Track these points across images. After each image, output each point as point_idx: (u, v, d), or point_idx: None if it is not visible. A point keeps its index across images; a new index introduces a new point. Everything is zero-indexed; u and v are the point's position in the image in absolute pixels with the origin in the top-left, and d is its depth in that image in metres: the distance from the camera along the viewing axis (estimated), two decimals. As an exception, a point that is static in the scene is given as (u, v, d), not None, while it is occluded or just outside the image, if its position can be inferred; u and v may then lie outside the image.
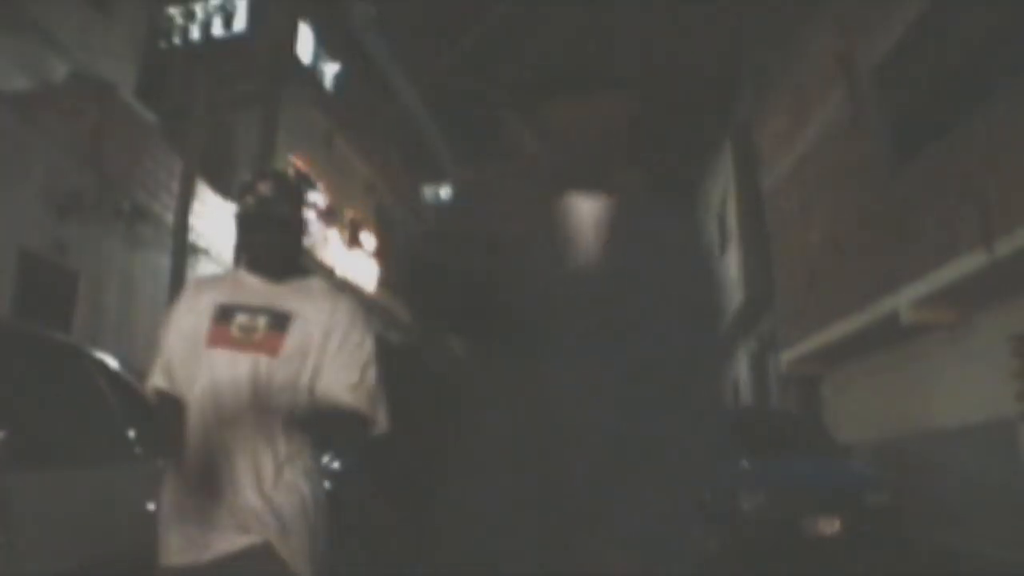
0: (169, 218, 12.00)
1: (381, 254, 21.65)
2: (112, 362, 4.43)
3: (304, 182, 18.18)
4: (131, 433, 4.09)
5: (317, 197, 18.86)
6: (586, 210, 1.90)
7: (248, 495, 2.43)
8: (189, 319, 2.56)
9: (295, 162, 17.88)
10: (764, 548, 8.51)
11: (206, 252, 12.98)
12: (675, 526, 1.88)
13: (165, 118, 13.46)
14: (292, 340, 2.52)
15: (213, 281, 2.77)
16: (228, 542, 2.41)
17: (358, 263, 20.44)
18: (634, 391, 1.81)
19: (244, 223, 2.63)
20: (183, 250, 11.79)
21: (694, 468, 1.87)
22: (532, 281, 1.83)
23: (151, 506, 3.75)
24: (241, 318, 2.53)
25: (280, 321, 2.53)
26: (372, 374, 2.61)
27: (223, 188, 14.22)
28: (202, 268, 12.96)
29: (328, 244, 18.86)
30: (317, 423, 2.56)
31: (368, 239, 21.48)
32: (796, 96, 15.26)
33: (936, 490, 10.64)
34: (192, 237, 12.28)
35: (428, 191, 32.42)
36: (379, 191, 23.33)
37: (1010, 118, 8.81)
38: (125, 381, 4.42)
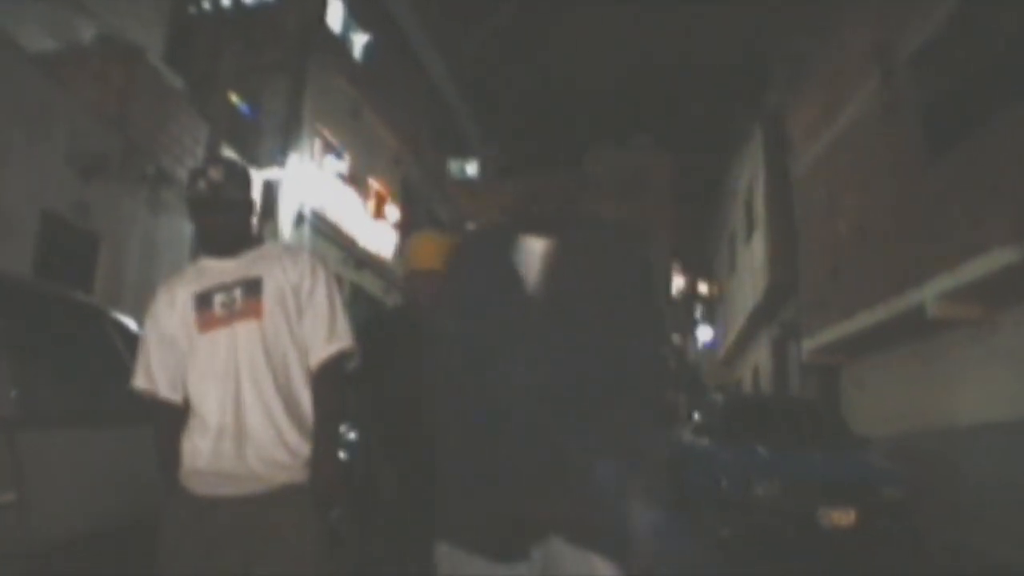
0: (193, 183, 11.98)
1: (405, 226, 21.65)
2: (131, 324, 4.42)
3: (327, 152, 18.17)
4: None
5: (342, 166, 18.84)
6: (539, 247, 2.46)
7: (269, 448, 2.73)
8: (171, 319, 2.84)
9: (322, 131, 17.84)
10: (776, 536, 8.47)
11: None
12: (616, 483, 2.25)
13: (192, 84, 13.44)
14: (268, 300, 2.81)
15: (180, 277, 2.96)
16: (259, 486, 2.71)
17: (382, 235, 20.43)
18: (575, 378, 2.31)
19: (197, 207, 2.86)
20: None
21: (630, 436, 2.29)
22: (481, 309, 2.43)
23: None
24: (219, 297, 2.81)
25: (253, 287, 2.81)
26: (339, 313, 2.92)
27: (249, 156, 14.22)
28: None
29: (352, 215, 18.84)
30: (314, 380, 2.87)
31: (392, 211, 21.45)
32: (829, 84, 15.08)
33: (953, 487, 10.55)
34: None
35: (454, 165, 32.40)
36: (405, 164, 23.27)
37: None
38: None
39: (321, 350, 2.86)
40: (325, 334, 2.87)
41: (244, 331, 2.78)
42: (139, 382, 2.89)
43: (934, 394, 11.50)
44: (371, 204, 20.22)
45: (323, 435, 2.82)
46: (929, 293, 10.56)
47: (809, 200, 16.11)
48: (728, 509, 8.87)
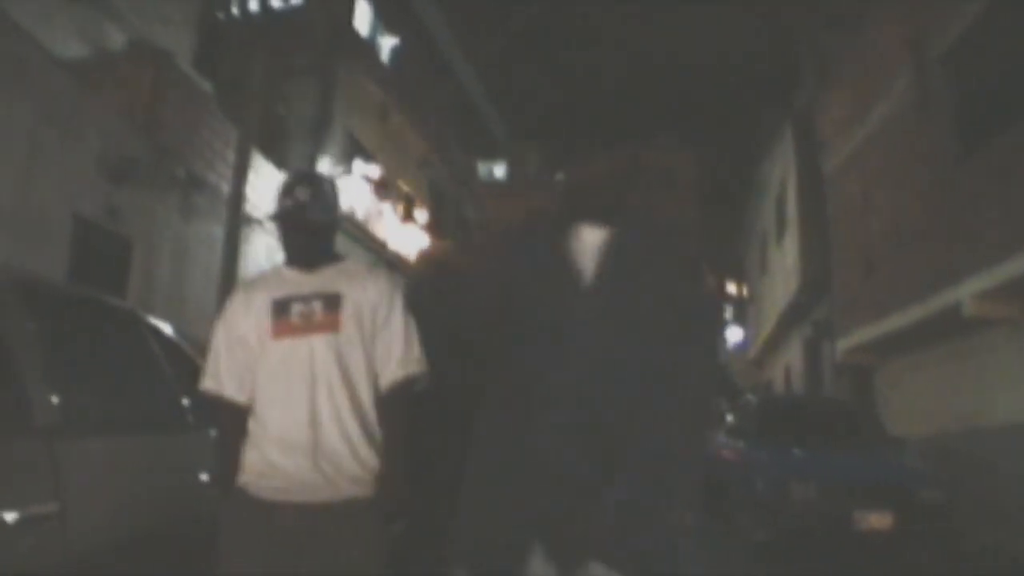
0: (224, 188, 12.06)
1: (433, 229, 21.68)
2: (167, 329, 4.42)
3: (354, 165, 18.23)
4: (185, 401, 4.07)
5: (371, 170, 18.88)
6: (595, 237, 2.37)
7: (339, 459, 2.78)
8: (247, 321, 2.91)
9: (351, 134, 17.91)
10: (812, 539, 8.38)
11: (260, 223, 13.02)
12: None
13: (221, 88, 13.53)
14: (347, 316, 2.87)
15: (260, 281, 3.05)
16: (328, 497, 2.76)
17: (411, 237, 20.47)
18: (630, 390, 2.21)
19: (282, 224, 2.99)
20: (237, 220, 11.84)
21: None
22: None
23: (204, 476, 3.76)
24: (297, 307, 2.87)
25: (333, 302, 2.88)
26: (413, 337, 2.98)
27: (278, 159, 14.28)
28: (256, 239, 13.02)
29: (382, 218, 18.87)
30: (383, 401, 2.91)
31: (421, 214, 21.47)
32: (861, 81, 14.95)
33: (990, 488, 10.40)
34: (247, 208, 12.33)
35: (483, 167, 32.43)
36: (433, 166, 23.31)
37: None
38: (180, 349, 4.41)
39: (393, 372, 2.92)
40: (399, 357, 2.93)
41: (321, 343, 2.84)
42: (207, 384, 2.94)
43: (970, 394, 11.36)
44: (400, 207, 20.26)
45: (392, 453, 2.86)
46: (965, 292, 10.42)
47: (842, 198, 15.97)
48: (763, 512, 8.77)
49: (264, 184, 13.25)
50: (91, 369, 3.49)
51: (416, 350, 2.97)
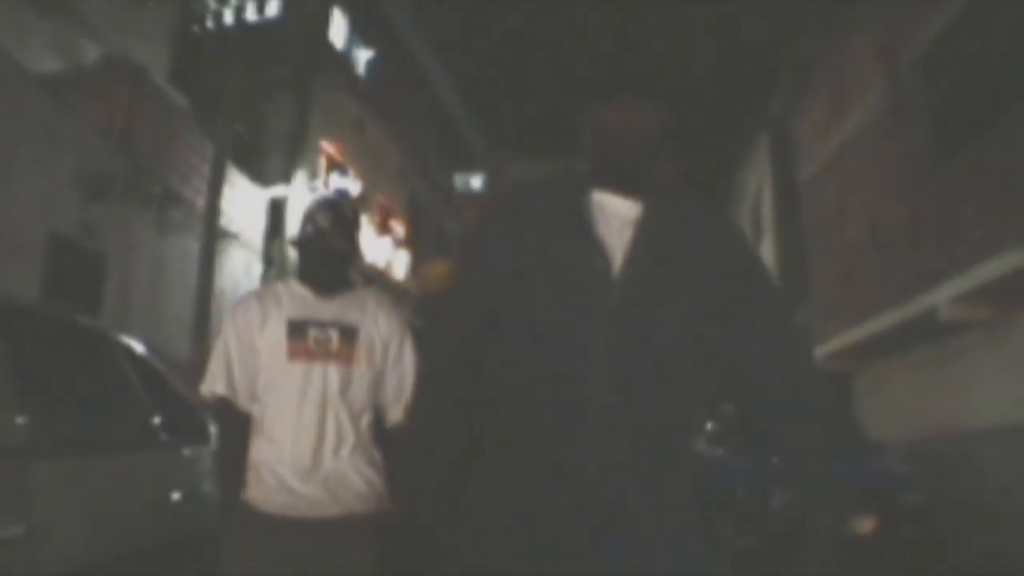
0: (200, 203, 12.01)
1: (411, 241, 21.64)
2: (139, 348, 4.38)
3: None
4: (157, 420, 4.03)
5: (349, 183, 18.85)
6: (623, 210, 1.94)
7: (339, 480, 2.88)
8: (261, 335, 2.96)
9: (326, 147, 17.88)
10: (794, 546, 8.38)
11: (236, 237, 12.97)
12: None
13: (197, 102, 13.47)
14: (361, 350, 2.97)
15: (273, 296, 3.07)
16: (331, 508, 2.86)
17: (387, 250, 20.43)
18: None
19: (304, 251, 3.08)
20: (213, 235, 11.79)
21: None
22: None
23: (176, 495, 3.72)
24: (314, 332, 2.94)
25: (350, 334, 2.97)
26: (410, 383, 2.97)
27: (254, 173, 14.24)
28: (232, 253, 12.96)
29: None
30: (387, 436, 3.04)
31: (398, 226, 21.45)
32: (835, 88, 15.09)
33: (971, 490, 10.49)
34: (222, 222, 12.29)
35: (459, 179, 32.45)
36: (410, 178, 23.29)
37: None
38: (152, 367, 4.37)
39: (397, 413, 3.04)
40: (403, 397, 3.00)
41: (335, 372, 2.92)
42: (219, 388, 2.96)
43: (949, 397, 11.46)
44: (376, 219, 20.22)
45: (395, 479, 2.93)
46: (941, 296, 10.52)
47: (818, 205, 16.07)
48: (744, 520, 8.78)
49: (240, 198, 13.20)
50: (61, 390, 3.44)
51: (408, 396, 3.02)
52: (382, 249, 20.00)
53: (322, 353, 2.93)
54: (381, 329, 3.04)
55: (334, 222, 3.04)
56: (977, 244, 9.81)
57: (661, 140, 1.92)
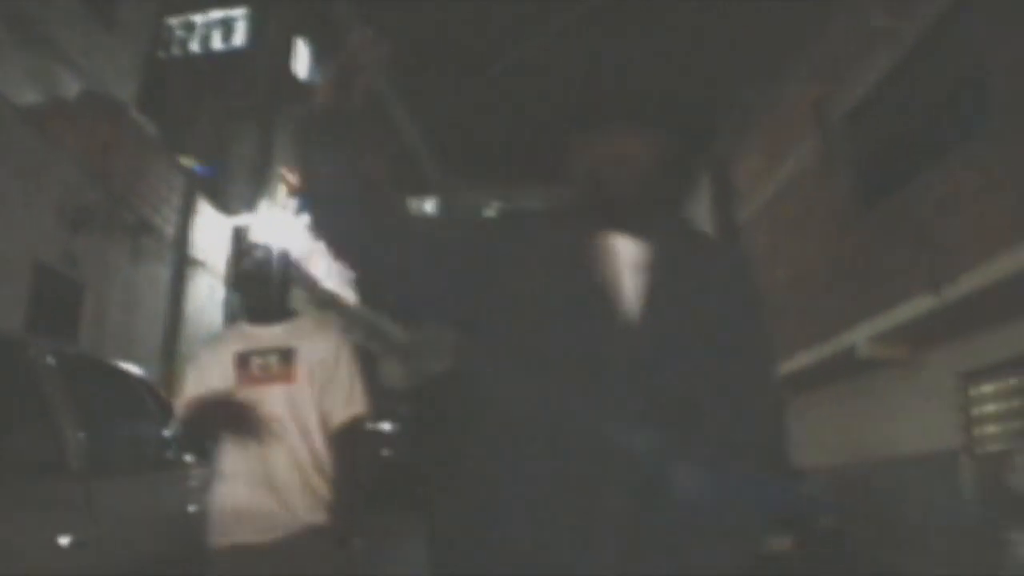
0: (169, 231, 12.52)
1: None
2: (150, 380, 5.08)
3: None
4: (168, 442, 4.72)
5: (307, 210, 19.23)
6: (631, 253, 1.77)
7: (294, 493, 3.22)
8: (216, 370, 3.34)
9: (287, 175, 18.30)
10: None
11: (203, 264, 13.50)
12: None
13: (164, 129, 13.71)
14: (300, 369, 3.32)
15: (226, 337, 3.56)
16: (285, 527, 3.18)
17: (343, 275, 20.84)
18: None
19: (245, 281, 3.50)
20: (183, 263, 12.36)
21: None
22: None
23: (191, 508, 4.41)
24: (256, 360, 3.33)
25: (288, 356, 3.34)
26: (357, 383, 3.44)
27: (218, 201, 14.67)
28: (198, 280, 13.48)
29: (315, 256, 19.30)
30: (334, 439, 3.37)
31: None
32: (772, 136, 15.84)
33: (885, 514, 11.27)
34: (191, 250, 12.83)
35: (414, 204, 32.97)
36: (366, 204, 23.67)
37: (960, 175, 9.55)
38: (163, 397, 5.07)
39: (339, 415, 3.37)
40: (343, 401, 3.39)
41: (279, 391, 3.27)
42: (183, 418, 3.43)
43: (867, 427, 12.26)
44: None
45: (344, 483, 3.32)
46: (861, 335, 11.34)
47: (754, 247, 16.80)
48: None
49: (206, 226, 13.70)
50: (108, 421, 4.13)
51: (359, 393, 3.43)
52: (336, 274, 20.43)
53: (265, 377, 3.29)
54: (318, 348, 3.36)
55: (268, 256, 3.49)
56: (893, 289, 10.59)
57: (660, 173, 1.78)
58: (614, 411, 1.64)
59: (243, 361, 3.33)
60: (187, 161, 12.63)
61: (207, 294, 13.73)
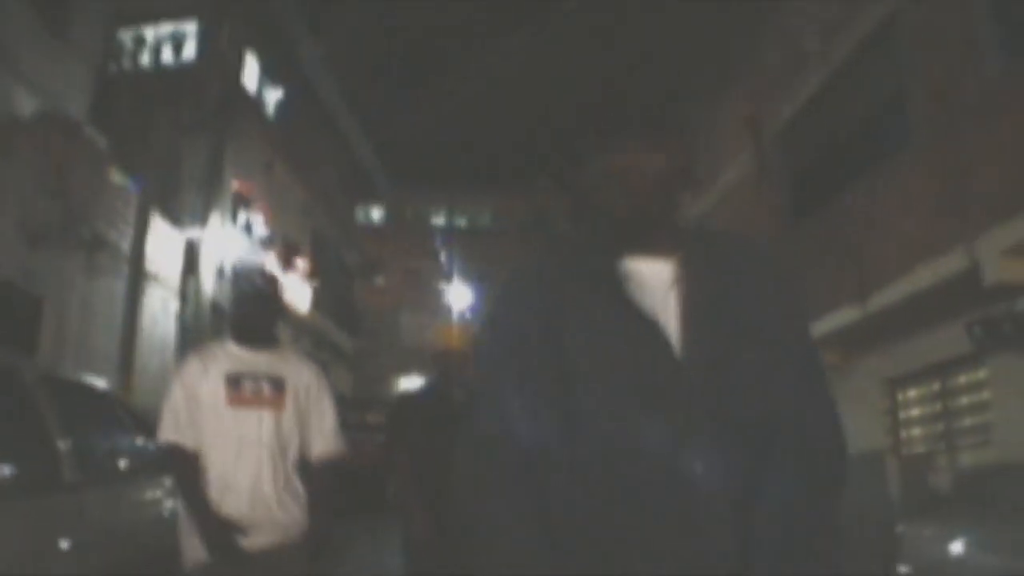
0: (124, 245, 12.69)
1: (314, 276, 22.22)
2: (121, 398, 5.43)
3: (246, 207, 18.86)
4: (143, 453, 5.07)
5: (257, 221, 19.37)
6: (658, 274, 1.72)
7: (272, 508, 3.39)
8: (202, 387, 3.44)
9: (236, 186, 18.39)
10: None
11: (155, 278, 13.69)
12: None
13: (114, 141, 13.73)
14: (289, 398, 3.52)
15: (212, 355, 3.60)
16: (260, 542, 3.35)
17: (292, 286, 20.92)
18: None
19: (241, 301, 3.64)
20: (138, 276, 12.56)
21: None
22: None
23: (168, 511, 4.75)
24: (249, 383, 3.47)
25: (279, 385, 3.52)
26: (332, 418, 3.64)
27: (170, 214, 14.76)
28: (151, 292, 13.64)
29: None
30: (314, 470, 3.58)
31: (302, 262, 21.88)
32: (713, 149, 16.38)
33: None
34: (145, 264, 13.01)
35: (360, 212, 33.28)
36: (315, 214, 23.88)
37: (883, 192, 10.15)
38: (132, 410, 5.42)
39: (325, 447, 3.60)
40: (324, 434, 3.61)
41: (269, 416, 3.45)
42: (170, 435, 3.42)
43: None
44: (281, 255, 20.59)
45: (320, 506, 3.54)
46: (793, 342, 11.88)
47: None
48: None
49: (158, 239, 13.84)
50: (91, 437, 4.48)
51: (337, 429, 3.63)
52: (287, 285, 20.51)
53: (256, 401, 3.42)
54: (303, 378, 3.55)
55: (269, 283, 3.62)
56: (823, 298, 11.17)
57: (674, 183, 1.75)
58: (689, 442, 1.59)
59: (234, 381, 3.45)
60: (118, 177, 12.67)
61: (160, 307, 13.92)
